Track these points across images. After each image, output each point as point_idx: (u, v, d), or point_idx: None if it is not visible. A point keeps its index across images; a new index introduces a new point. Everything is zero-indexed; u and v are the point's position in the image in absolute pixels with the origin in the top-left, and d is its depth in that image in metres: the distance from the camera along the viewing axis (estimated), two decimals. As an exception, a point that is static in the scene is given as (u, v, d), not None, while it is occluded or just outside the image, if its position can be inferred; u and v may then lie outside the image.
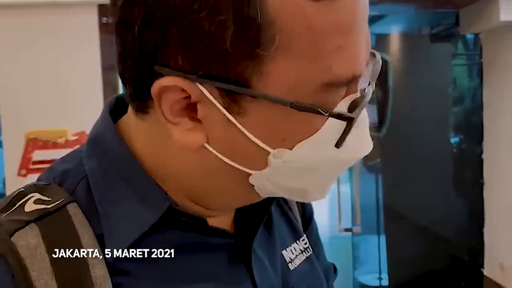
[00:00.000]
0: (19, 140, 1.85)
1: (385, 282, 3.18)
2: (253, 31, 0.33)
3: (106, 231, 0.38)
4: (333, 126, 0.37)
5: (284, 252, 0.51)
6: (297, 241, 0.53)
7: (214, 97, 0.36)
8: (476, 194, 2.77)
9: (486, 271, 2.74)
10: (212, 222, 0.44)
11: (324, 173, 0.41)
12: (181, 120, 0.37)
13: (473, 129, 2.90)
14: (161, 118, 0.37)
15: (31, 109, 2.04)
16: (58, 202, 0.38)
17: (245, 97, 0.35)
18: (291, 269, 0.50)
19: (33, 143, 1.80)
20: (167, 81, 0.35)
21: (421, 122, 2.86)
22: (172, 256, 0.40)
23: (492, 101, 2.58)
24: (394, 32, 2.98)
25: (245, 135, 0.37)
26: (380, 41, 3.04)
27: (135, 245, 0.39)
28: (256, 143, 0.37)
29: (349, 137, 0.38)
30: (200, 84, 0.35)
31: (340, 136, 0.38)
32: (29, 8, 2.04)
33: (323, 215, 4.17)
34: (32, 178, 1.83)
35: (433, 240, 3.05)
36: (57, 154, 1.88)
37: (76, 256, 0.36)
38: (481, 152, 2.72)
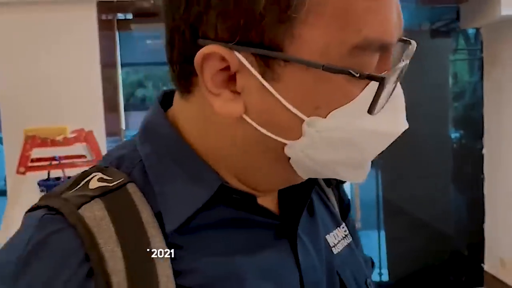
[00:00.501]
0: (19, 137, 1.85)
1: (385, 277, 3.20)
2: None
3: (162, 208, 0.41)
4: (367, 94, 0.38)
5: (327, 236, 0.52)
6: (338, 228, 0.54)
7: (250, 64, 0.37)
8: (477, 189, 2.78)
9: (486, 266, 2.74)
10: (259, 202, 0.45)
11: (360, 147, 0.41)
12: (222, 92, 0.39)
13: (473, 124, 2.91)
14: (203, 90, 0.39)
15: (30, 106, 2.03)
16: (119, 181, 0.41)
17: (278, 62, 0.37)
18: (335, 253, 0.51)
19: (32, 140, 1.79)
20: (207, 49, 0.37)
21: (421, 117, 2.86)
22: (222, 231, 0.43)
23: (492, 95, 2.58)
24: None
25: (280, 102, 0.38)
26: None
27: (189, 221, 0.41)
28: (290, 110, 0.38)
29: (384, 109, 0.39)
30: (238, 52, 0.37)
31: (372, 100, 0.38)
32: (28, 5, 2.03)
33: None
34: (31, 176, 1.85)
35: (433, 235, 3.06)
36: (56, 151, 1.89)
37: (137, 229, 0.39)
38: (482, 147, 2.72)
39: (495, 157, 2.65)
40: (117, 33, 2.70)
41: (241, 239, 0.44)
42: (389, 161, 2.99)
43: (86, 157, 1.82)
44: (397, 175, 3.08)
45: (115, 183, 0.41)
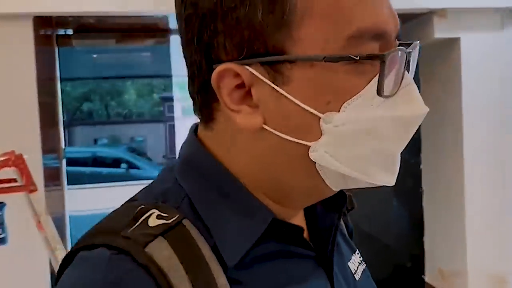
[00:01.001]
0: None
1: (332, 292, 3.22)
2: (277, 2, 0.39)
3: (219, 243, 0.41)
4: (374, 84, 0.40)
5: (349, 263, 0.54)
6: (354, 254, 0.56)
7: (261, 74, 0.40)
8: (416, 203, 2.88)
9: (427, 278, 2.84)
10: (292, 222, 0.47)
11: (380, 136, 0.41)
12: (241, 108, 0.42)
13: (412, 140, 3.02)
14: (225, 111, 0.42)
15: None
16: (176, 217, 0.41)
17: (285, 65, 0.40)
18: (357, 279, 0.53)
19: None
20: (221, 68, 0.40)
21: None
22: (272, 263, 0.44)
23: (429, 112, 2.70)
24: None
25: (294, 103, 0.40)
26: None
27: (244, 257, 0.42)
28: (305, 110, 0.40)
29: (397, 95, 0.41)
30: (247, 65, 0.40)
31: (378, 80, 0.39)
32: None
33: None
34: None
35: (376, 249, 3.13)
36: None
37: (203, 266, 0.39)
38: (420, 162, 2.84)
39: (433, 171, 2.77)
40: (56, 48, 2.67)
41: (288, 270, 0.45)
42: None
43: (17, 181, 1.70)
44: (341, 190, 3.14)
45: (172, 219, 0.41)
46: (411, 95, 0.42)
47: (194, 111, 0.47)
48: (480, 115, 2.43)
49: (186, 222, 0.41)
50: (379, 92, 0.39)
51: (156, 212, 0.41)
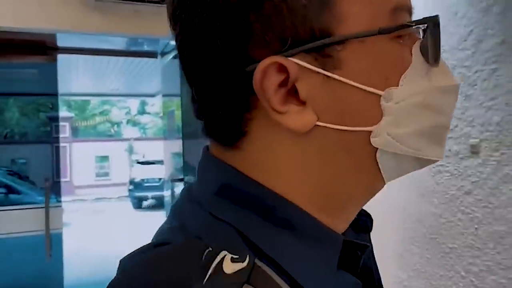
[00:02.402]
0: None
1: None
2: None
3: (301, 281, 0.36)
4: (417, 55, 0.38)
5: None
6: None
7: (309, 64, 0.36)
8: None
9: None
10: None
11: (437, 108, 0.39)
12: (288, 108, 0.37)
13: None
14: (270, 113, 0.37)
15: None
16: (248, 258, 0.34)
17: (334, 48, 0.36)
18: None
19: None
20: (264, 64, 0.35)
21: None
22: None
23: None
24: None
25: (351, 87, 0.36)
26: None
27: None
28: (364, 91, 0.37)
29: (438, 66, 0.39)
30: (292, 57, 0.36)
31: (434, 45, 0.38)
32: None
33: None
34: None
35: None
36: None
37: None
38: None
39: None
40: None
41: None
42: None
43: None
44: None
45: (247, 261, 0.34)
46: (444, 66, 0.41)
47: (208, 132, 0.41)
48: None
49: (258, 262, 0.34)
50: (437, 58, 0.38)
51: (228, 254, 0.34)
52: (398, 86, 0.37)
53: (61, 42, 3.50)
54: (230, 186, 0.39)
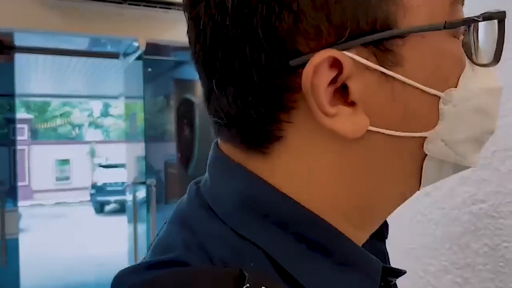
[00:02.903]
0: None
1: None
2: None
3: None
4: (472, 51, 0.35)
5: None
6: None
7: (366, 59, 0.31)
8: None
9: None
10: None
11: (490, 111, 0.36)
12: (338, 110, 0.32)
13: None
14: (316, 115, 0.31)
15: None
16: None
17: (395, 41, 0.31)
18: None
19: None
20: (318, 58, 0.30)
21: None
22: None
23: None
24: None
25: (411, 88, 0.32)
26: (188, 86, 3.19)
27: None
28: (425, 93, 0.33)
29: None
30: (348, 51, 0.31)
31: (498, 43, 0.34)
32: None
33: (123, 256, 4.03)
34: None
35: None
36: None
37: None
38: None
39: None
40: None
41: None
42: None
43: None
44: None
45: None
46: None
47: (232, 134, 0.35)
48: None
49: None
50: (497, 57, 0.34)
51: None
52: (456, 87, 0.34)
53: (18, 41, 3.39)
54: (256, 199, 0.33)
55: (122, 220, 6.05)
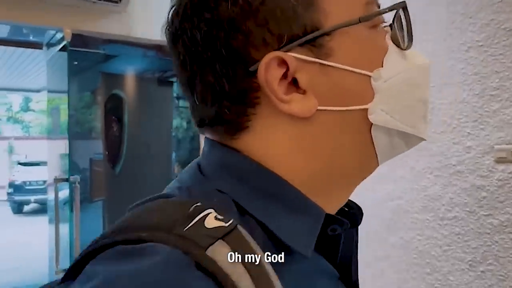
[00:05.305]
0: None
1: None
2: None
3: (287, 240, 0.41)
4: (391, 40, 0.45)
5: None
6: None
7: (305, 55, 0.41)
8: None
9: None
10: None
11: (421, 84, 0.45)
12: (292, 96, 0.42)
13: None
14: (275, 103, 0.41)
15: None
16: (232, 221, 0.37)
17: (324, 39, 0.41)
18: None
19: None
20: (266, 58, 0.40)
21: (153, 159, 3.00)
22: (315, 283, 0.44)
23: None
24: (129, 72, 3.09)
25: (344, 71, 0.42)
26: (116, 80, 3.09)
27: (290, 260, 0.40)
28: (356, 73, 0.42)
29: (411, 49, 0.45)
30: (290, 51, 0.41)
31: (407, 26, 0.44)
32: None
33: (44, 258, 3.82)
34: None
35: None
36: None
37: (262, 273, 0.36)
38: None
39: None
40: None
41: (323, 285, 0.45)
42: (114, 200, 2.99)
43: None
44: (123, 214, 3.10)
45: (229, 223, 0.37)
46: (414, 49, 0.46)
47: (213, 128, 0.45)
48: None
49: (240, 227, 0.37)
50: (410, 38, 0.44)
51: (213, 212, 0.37)
52: (382, 66, 0.43)
53: None
54: (231, 164, 0.44)
55: (42, 220, 5.72)
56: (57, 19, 2.70)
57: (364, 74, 0.42)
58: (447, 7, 1.66)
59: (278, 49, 0.41)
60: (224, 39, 0.41)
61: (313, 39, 0.41)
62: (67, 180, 2.64)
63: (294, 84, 0.42)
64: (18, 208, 11.58)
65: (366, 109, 0.43)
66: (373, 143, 0.44)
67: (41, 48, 3.72)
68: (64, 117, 3.08)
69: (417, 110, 0.46)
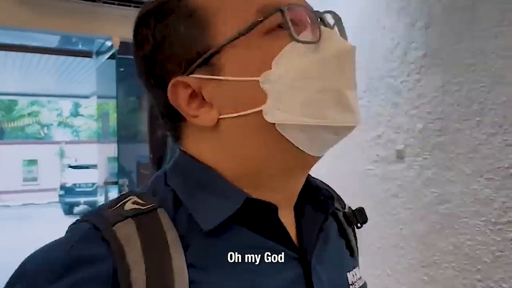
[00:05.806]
0: None
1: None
2: (192, 16, 0.48)
3: (195, 215, 0.46)
4: (292, 38, 0.46)
5: (348, 274, 0.56)
6: (355, 268, 0.58)
7: (201, 74, 0.47)
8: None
9: None
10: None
11: (320, 75, 0.46)
12: (199, 112, 0.48)
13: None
14: (188, 119, 0.49)
15: None
16: (151, 205, 0.46)
17: (215, 57, 0.47)
18: None
19: None
20: (170, 84, 0.48)
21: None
22: (239, 258, 0.46)
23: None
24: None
25: (233, 81, 0.46)
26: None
27: (214, 238, 0.46)
28: (244, 81, 0.46)
29: (323, 41, 0.47)
30: (189, 74, 0.48)
31: (289, 25, 0.45)
32: None
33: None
34: None
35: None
36: None
37: (162, 248, 0.43)
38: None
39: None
40: None
41: (258, 267, 0.47)
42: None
43: None
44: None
45: (147, 207, 0.46)
46: (332, 38, 0.48)
47: (172, 140, 0.55)
48: None
49: (160, 211, 0.46)
50: (295, 38, 0.45)
51: (134, 198, 0.47)
52: (272, 69, 0.46)
53: None
54: (180, 164, 0.52)
55: (92, 222, 5.91)
56: (106, 28, 2.80)
57: (252, 80, 0.46)
58: (498, 4, 1.60)
59: (181, 74, 0.48)
60: (150, 70, 0.50)
61: (207, 58, 0.47)
62: (116, 183, 2.73)
63: (204, 99, 0.48)
64: (69, 210, 12.05)
65: (261, 111, 0.46)
66: (287, 139, 0.47)
67: (90, 57, 3.87)
68: (113, 121, 3.18)
69: (322, 101, 0.46)
